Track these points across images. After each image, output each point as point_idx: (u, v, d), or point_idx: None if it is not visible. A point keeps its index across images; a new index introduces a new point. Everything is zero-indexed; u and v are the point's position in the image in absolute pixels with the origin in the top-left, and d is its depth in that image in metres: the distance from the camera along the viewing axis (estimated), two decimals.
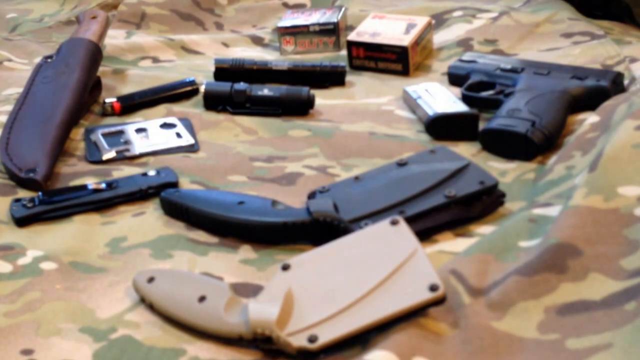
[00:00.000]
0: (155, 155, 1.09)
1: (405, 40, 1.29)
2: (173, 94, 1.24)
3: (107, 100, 1.21)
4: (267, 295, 0.77)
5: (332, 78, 1.27)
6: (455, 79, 1.23)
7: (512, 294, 0.76)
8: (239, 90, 1.19)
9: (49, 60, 1.22)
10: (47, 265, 0.89)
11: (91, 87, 1.21)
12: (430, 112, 1.11)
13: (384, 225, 0.80)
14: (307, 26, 1.39)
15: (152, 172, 1.02)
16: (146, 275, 0.83)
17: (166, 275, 0.83)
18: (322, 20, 1.39)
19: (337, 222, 0.88)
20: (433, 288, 0.73)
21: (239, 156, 1.08)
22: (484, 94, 1.16)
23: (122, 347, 0.77)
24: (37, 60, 1.28)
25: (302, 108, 1.18)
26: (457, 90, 1.18)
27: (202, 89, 1.22)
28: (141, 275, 0.83)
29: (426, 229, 0.89)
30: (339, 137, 1.11)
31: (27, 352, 0.77)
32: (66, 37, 1.34)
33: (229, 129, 1.16)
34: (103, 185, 0.99)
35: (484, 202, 0.92)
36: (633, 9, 1.41)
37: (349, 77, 1.28)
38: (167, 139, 1.12)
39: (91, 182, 1.01)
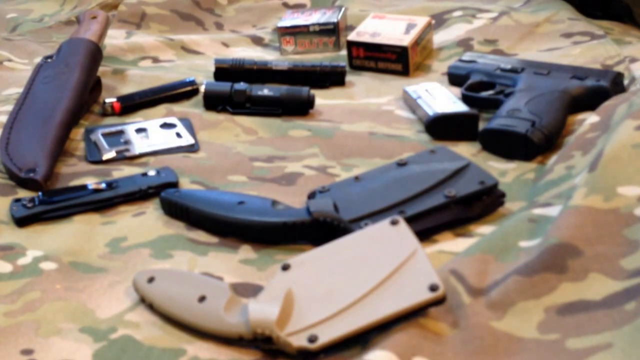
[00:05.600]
0: (155, 155, 1.09)
1: (405, 40, 1.29)
2: (173, 94, 1.24)
3: (107, 100, 1.21)
4: (267, 295, 0.77)
5: (332, 78, 1.27)
6: (455, 79, 1.23)
7: (512, 294, 0.76)
8: (239, 90, 1.19)
9: (49, 60, 1.22)
10: (47, 265, 0.89)
11: (91, 87, 1.21)
12: (430, 112, 1.11)
13: (384, 225, 0.80)
14: (307, 26, 1.39)
15: (152, 172, 1.02)
16: (146, 275, 0.83)
17: (166, 275, 0.83)
18: (322, 20, 1.39)
19: (337, 222, 0.88)
20: (433, 288, 0.73)
21: (239, 156, 1.08)
22: (484, 94, 1.16)
23: (122, 347, 0.77)
24: (37, 60, 1.28)
25: (302, 108, 1.18)
26: (457, 90, 1.18)
27: (202, 89, 1.22)
28: (141, 275, 0.83)
29: (426, 229, 0.89)
30: (339, 137, 1.11)
31: (27, 352, 0.77)
32: (66, 37, 1.34)
33: (229, 129, 1.16)
34: (103, 185, 0.99)
35: (484, 202, 0.92)
36: (633, 9, 1.41)
37: (349, 77, 1.28)
38: (167, 139, 1.12)
39: (91, 182, 1.01)
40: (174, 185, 1.01)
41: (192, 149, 1.11)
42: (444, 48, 1.35)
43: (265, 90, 1.19)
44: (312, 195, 0.95)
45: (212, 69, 1.29)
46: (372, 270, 0.76)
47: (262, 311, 0.74)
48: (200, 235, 0.93)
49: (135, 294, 0.83)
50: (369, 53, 1.31)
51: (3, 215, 0.98)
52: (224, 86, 1.21)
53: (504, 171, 1.01)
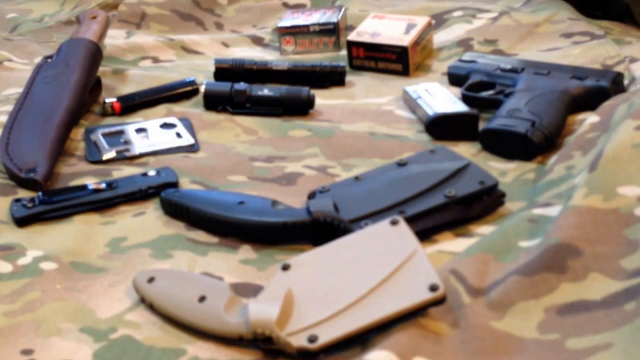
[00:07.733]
0: (155, 155, 1.09)
1: (405, 40, 1.29)
2: (173, 94, 1.24)
3: (107, 100, 1.21)
4: (267, 295, 0.77)
5: (332, 78, 1.27)
6: (455, 79, 1.23)
7: (512, 294, 0.76)
8: (239, 90, 1.19)
9: (49, 60, 1.22)
10: (47, 265, 0.89)
11: (91, 87, 1.21)
12: (430, 112, 1.11)
13: (383, 225, 0.80)
14: (307, 26, 1.39)
15: (152, 172, 1.02)
16: (146, 275, 0.83)
17: (166, 275, 0.83)
18: (322, 20, 1.39)
19: (337, 222, 0.88)
20: (433, 288, 0.73)
21: (239, 156, 1.08)
22: (484, 94, 1.16)
23: (122, 347, 0.77)
24: (37, 60, 1.28)
25: (302, 108, 1.18)
26: (457, 90, 1.18)
27: (202, 89, 1.22)
28: (141, 275, 0.83)
29: (426, 229, 0.89)
30: (339, 137, 1.11)
31: (27, 352, 0.77)
32: (66, 37, 1.34)
33: (229, 129, 1.16)
34: (103, 185, 0.99)
35: (484, 202, 0.92)
36: (633, 9, 1.41)
37: (349, 77, 1.28)
38: (167, 139, 1.12)
39: (91, 182, 1.01)
40: (174, 185, 1.01)
41: (192, 149, 1.11)
42: (444, 48, 1.35)
43: (265, 90, 1.19)
44: (312, 195, 0.95)
45: (212, 69, 1.29)
46: (372, 270, 0.76)
47: (262, 311, 0.74)
48: (200, 235, 0.93)
49: (135, 294, 0.83)
50: (369, 53, 1.31)
51: (3, 215, 0.98)
52: (224, 86, 1.21)
53: (504, 171, 1.01)
